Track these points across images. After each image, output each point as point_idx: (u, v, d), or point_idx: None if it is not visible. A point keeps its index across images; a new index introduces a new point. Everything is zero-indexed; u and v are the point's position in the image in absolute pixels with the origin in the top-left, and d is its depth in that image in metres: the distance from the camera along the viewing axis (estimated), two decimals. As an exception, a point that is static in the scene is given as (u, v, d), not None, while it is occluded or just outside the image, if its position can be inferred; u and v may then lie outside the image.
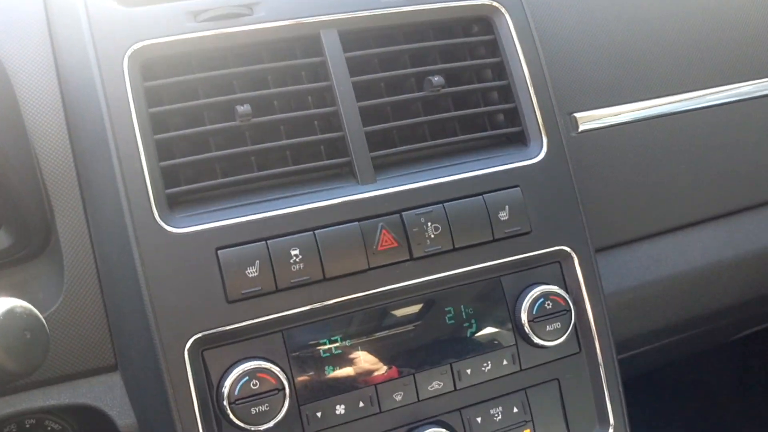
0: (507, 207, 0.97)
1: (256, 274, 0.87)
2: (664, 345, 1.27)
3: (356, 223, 0.91)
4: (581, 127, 1.13)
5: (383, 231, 0.92)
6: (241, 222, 0.88)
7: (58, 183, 0.93)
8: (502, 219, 0.97)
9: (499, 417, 0.96)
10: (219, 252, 0.87)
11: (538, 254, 0.99)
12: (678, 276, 1.16)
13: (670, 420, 2.17)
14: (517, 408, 0.97)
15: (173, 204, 0.89)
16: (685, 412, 2.20)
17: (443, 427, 0.93)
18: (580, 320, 1.01)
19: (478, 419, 0.95)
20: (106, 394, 0.93)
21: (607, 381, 1.01)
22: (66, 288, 0.91)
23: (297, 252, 0.89)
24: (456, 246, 0.95)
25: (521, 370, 0.98)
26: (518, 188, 0.98)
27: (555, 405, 1.00)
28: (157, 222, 0.87)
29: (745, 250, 1.21)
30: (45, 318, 0.88)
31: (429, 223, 0.94)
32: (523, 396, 0.98)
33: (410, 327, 0.94)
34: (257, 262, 0.87)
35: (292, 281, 0.88)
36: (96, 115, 0.88)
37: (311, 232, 0.90)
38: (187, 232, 0.87)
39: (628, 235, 1.15)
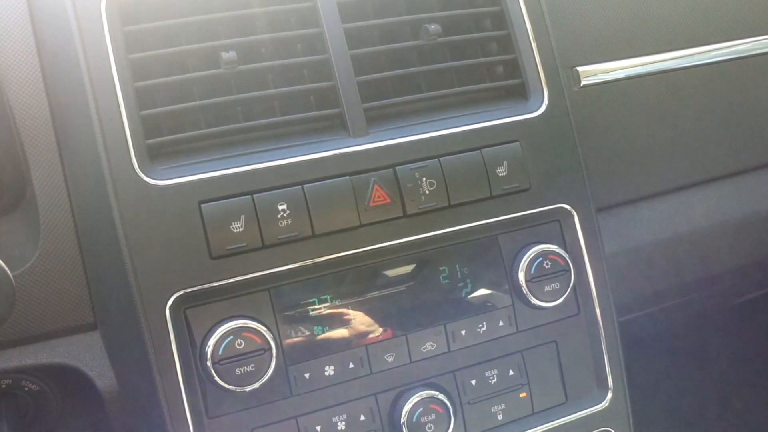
0: (505, 162, 0.93)
1: (241, 229, 0.83)
2: (664, 308, 1.23)
3: (347, 177, 0.87)
4: (583, 82, 1.08)
5: (375, 186, 0.88)
6: (225, 174, 0.84)
7: (33, 134, 0.88)
8: (500, 175, 0.92)
9: (494, 380, 0.93)
10: (202, 206, 0.83)
11: (537, 212, 0.95)
12: (681, 237, 1.13)
13: (668, 386, 2.16)
14: (513, 371, 0.94)
15: (154, 156, 0.85)
16: (683, 379, 2.19)
17: (436, 389, 0.90)
18: (579, 281, 0.97)
19: (473, 382, 0.92)
20: (85, 353, 0.89)
21: (606, 344, 0.97)
22: (42, 243, 0.87)
23: (284, 207, 0.84)
24: (452, 203, 0.90)
25: (518, 331, 0.94)
26: (517, 143, 0.94)
27: (552, 368, 0.96)
28: (137, 173, 0.82)
29: (750, 211, 1.17)
30: (20, 274, 0.84)
31: (424, 179, 0.89)
32: (520, 358, 0.94)
33: (403, 286, 0.90)
34: (242, 216, 0.83)
35: (279, 237, 0.84)
36: (72, 62, 0.84)
37: (299, 186, 0.85)
38: (168, 185, 0.83)
39: (630, 195, 1.11)
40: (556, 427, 0.96)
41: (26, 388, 0.91)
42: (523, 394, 0.94)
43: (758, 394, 2.02)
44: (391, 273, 0.90)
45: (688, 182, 1.15)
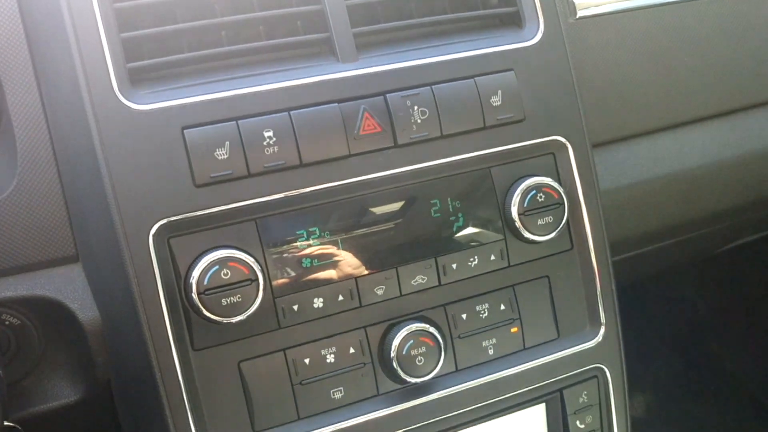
0: (500, 92, 0.90)
1: (225, 156, 0.80)
2: (657, 249, 1.22)
3: (336, 104, 0.84)
4: (579, 13, 1.05)
5: (365, 114, 0.85)
6: (209, 99, 0.81)
7: (7, 57, 0.84)
8: (494, 104, 0.90)
9: (485, 314, 0.92)
10: (185, 131, 0.80)
11: (532, 144, 0.92)
12: (676, 175, 1.11)
13: (654, 335, 2.17)
14: (504, 305, 0.93)
15: (136, 81, 0.82)
16: (670, 327, 2.20)
17: (426, 323, 0.88)
18: (573, 215, 0.95)
19: (463, 316, 0.91)
20: (67, 286, 0.86)
21: (600, 279, 0.96)
22: (19, 171, 0.84)
23: (270, 134, 0.81)
24: (444, 133, 0.88)
25: (509, 266, 0.93)
26: (512, 72, 0.91)
27: (544, 303, 0.95)
28: (117, 98, 0.79)
29: (746, 150, 1.15)
30: (-3, 203, 0.81)
31: (415, 107, 0.86)
32: (511, 293, 0.93)
33: (393, 219, 0.88)
34: (227, 143, 0.80)
35: (265, 166, 0.81)
36: (48, -19, 0.80)
37: (286, 113, 0.82)
38: (150, 109, 0.79)
39: (626, 131, 1.09)
40: (547, 363, 0.94)
41: (7, 322, 0.88)
42: (514, 329, 0.93)
43: (736, 343, 2.04)
44: (382, 204, 0.88)
45: (684, 120, 1.12)
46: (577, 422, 0.99)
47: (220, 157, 0.80)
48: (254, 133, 0.81)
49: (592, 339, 0.97)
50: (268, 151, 0.81)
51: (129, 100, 0.79)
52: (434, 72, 0.88)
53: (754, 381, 2.04)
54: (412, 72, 0.87)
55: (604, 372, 0.99)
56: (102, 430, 1.09)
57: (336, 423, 0.86)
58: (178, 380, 0.80)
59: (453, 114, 0.88)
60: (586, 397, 0.99)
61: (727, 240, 1.51)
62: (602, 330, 0.97)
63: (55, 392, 0.92)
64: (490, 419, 0.95)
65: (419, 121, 0.87)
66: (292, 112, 0.82)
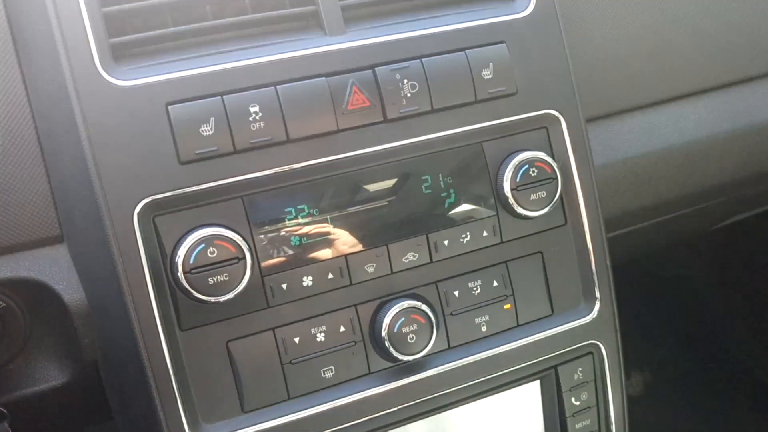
0: (491, 65, 0.88)
1: (211, 132, 0.78)
2: (653, 225, 1.20)
3: (323, 78, 0.82)
4: (572, -16, 1.03)
5: (354, 88, 0.83)
6: (194, 74, 0.79)
7: (-14, 33, 0.82)
8: (485, 78, 0.88)
9: (478, 291, 0.90)
10: (169, 107, 0.78)
11: (524, 118, 0.91)
12: (671, 149, 1.09)
13: (652, 308, 2.17)
14: (497, 281, 0.91)
15: (119, 56, 0.80)
16: (666, 306, 2.20)
17: (418, 300, 0.87)
18: (566, 190, 0.93)
19: (456, 293, 0.89)
20: (52, 267, 0.85)
21: (594, 255, 0.94)
22: (1, 149, 0.82)
23: (256, 109, 0.80)
24: (435, 107, 0.86)
25: (502, 242, 0.91)
26: (504, 44, 0.89)
27: (538, 279, 0.94)
28: (99, 74, 0.77)
29: (743, 124, 1.13)
30: (-23, 181, 0.80)
31: (405, 80, 0.85)
32: (504, 269, 0.91)
33: (384, 196, 0.86)
34: (212, 119, 0.78)
35: (251, 141, 0.80)
36: (27, -46, 0.78)
37: (272, 87, 0.80)
38: (133, 85, 0.78)
39: (620, 105, 1.07)
40: (542, 339, 0.93)
41: (-8, 304, 0.87)
42: (507, 306, 0.92)
43: (735, 320, 2.03)
44: (372, 181, 0.86)
45: (680, 93, 1.10)
46: (573, 399, 0.98)
47: (205, 134, 0.78)
48: (240, 108, 0.79)
49: (587, 315, 0.96)
50: (254, 126, 0.80)
51: (112, 76, 0.77)
52: (424, 45, 0.86)
53: (752, 358, 2.04)
54: (401, 45, 0.85)
55: (600, 348, 0.98)
56: (90, 412, 1.08)
57: (327, 402, 0.85)
58: (166, 361, 0.78)
59: (443, 87, 0.86)
60: (581, 374, 0.98)
61: (724, 216, 1.49)
62: (597, 306, 0.96)
63: (42, 375, 0.91)
64: (484, 397, 0.94)
65: (409, 95, 0.85)
66: (278, 87, 0.81)
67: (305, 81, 0.82)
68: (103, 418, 1.01)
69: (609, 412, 1.00)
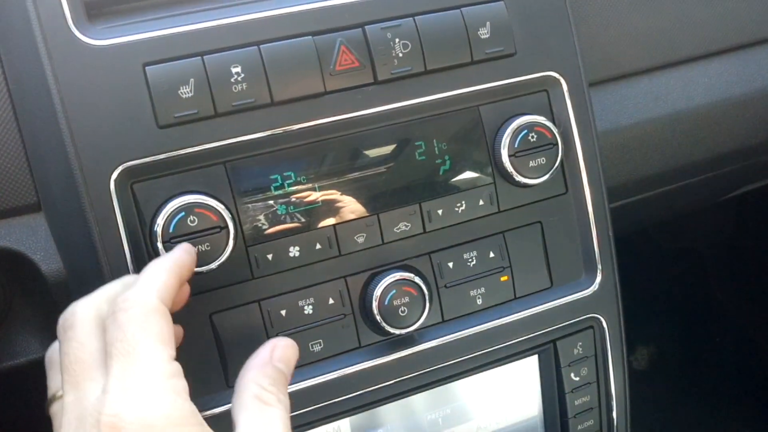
0: (488, 23, 0.83)
1: (190, 94, 0.74)
2: (658, 195, 1.16)
3: (309, 37, 0.78)
4: (577, -60, 0.97)
5: (342, 48, 0.79)
6: (172, 33, 0.75)
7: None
8: (482, 37, 0.83)
9: (473, 262, 0.86)
10: (147, 68, 0.74)
11: (523, 80, 0.86)
12: (679, 114, 1.04)
13: (657, 282, 2.13)
14: (493, 252, 0.87)
15: (93, 15, 0.76)
16: (670, 279, 2.16)
17: (411, 271, 0.83)
18: (567, 157, 0.89)
19: (450, 264, 0.86)
20: (29, 236, 0.81)
21: (596, 225, 0.90)
22: (-28, 114, 0.78)
23: (239, 70, 0.75)
24: (428, 68, 0.81)
25: (499, 211, 0.87)
26: (501, 2, 0.84)
27: (536, 250, 0.89)
28: (72, 32, 0.73)
29: (755, 88, 1.08)
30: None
31: (397, 40, 0.80)
32: (501, 240, 0.88)
33: (375, 162, 0.82)
34: (192, 80, 0.74)
35: (233, 104, 0.75)
36: None
37: (255, 47, 0.76)
38: (108, 45, 0.73)
39: (625, 68, 1.02)
40: (540, 312, 0.90)
41: (-33, 275, 0.84)
42: (504, 278, 0.88)
43: (742, 292, 1.99)
44: (362, 148, 0.82)
45: (689, 56, 1.05)
46: (572, 375, 0.94)
47: (184, 96, 0.74)
48: (221, 69, 0.75)
49: (588, 288, 0.92)
50: (236, 88, 0.75)
51: (85, 36, 0.73)
52: (417, 2, 0.81)
53: (759, 332, 2.00)
54: (392, 2, 0.80)
55: (601, 322, 0.94)
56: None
57: (315, 377, 0.82)
58: (145, 334, 0.75)
59: (438, 47, 0.81)
60: (581, 349, 0.94)
61: (733, 186, 1.44)
62: (598, 278, 0.92)
63: (23, 348, 0.88)
64: (479, 372, 0.91)
65: (401, 55, 0.80)
66: (261, 46, 0.76)
67: (290, 40, 0.77)
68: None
69: (609, 387, 0.96)
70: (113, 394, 0.57)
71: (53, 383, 0.67)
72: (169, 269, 0.66)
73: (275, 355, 0.68)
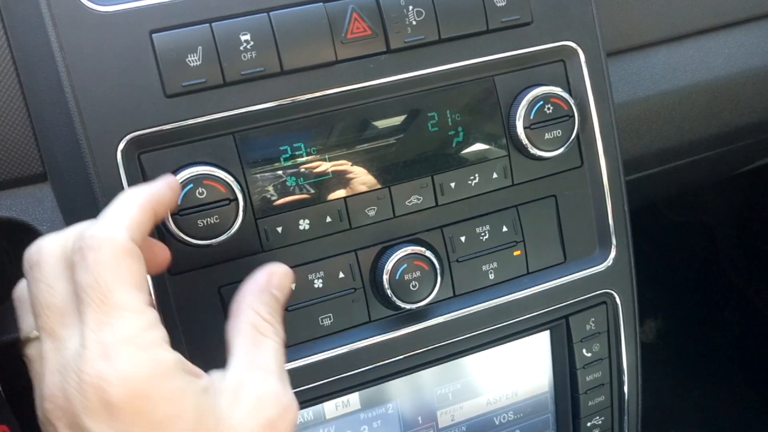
0: (504, -9, 0.81)
1: (198, 62, 0.72)
2: (673, 168, 1.14)
3: (321, 4, 0.75)
4: None
5: (354, 15, 0.76)
6: (180, 0, 0.73)
7: (-44, -46, 0.76)
8: (498, 5, 0.81)
9: (486, 236, 0.85)
10: (154, 35, 0.72)
11: (540, 50, 0.84)
12: (697, 86, 1.02)
13: (666, 255, 2.11)
14: (506, 227, 0.86)
15: (99, -21, 0.74)
16: (681, 252, 2.14)
17: (422, 245, 0.82)
18: (583, 129, 0.87)
19: (462, 238, 0.84)
20: (35, 207, 0.80)
21: (611, 199, 0.89)
22: (-24, 83, 0.77)
23: (248, 37, 0.73)
24: (442, 36, 0.79)
25: (513, 184, 0.85)
26: (518, -32, 0.82)
27: (550, 224, 0.88)
28: (77, -2, 0.71)
29: (777, 59, 1.05)
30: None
31: (410, 7, 0.78)
32: (515, 213, 0.86)
33: (387, 134, 0.80)
34: (200, 48, 0.72)
35: (242, 73, 0.74)
36: None
37: (265, 14, 0.74)
38: (114, 11, 0.71)
39: (643, 39, 0.99)
40: (553, 288, 0.88)
41: (-27, 245, 0.83)
42: (517, 252, 0.87)
43: (753, 266, 1.97)
44: (373, 118, 0.80)
45: (708, 26, 1.02)
46: (584, 350, 0.93)
47: (192, 64, 0.72)
48: (229, 36, 0.73)
49: (602, 263, 0.91)
50: (245, 56, 0.73)
51: (90, 1, 0.71)
52: (431, -32, 0.79)
53: (768, 306, 1.99)
54: (406, -32, 0.78)
55: (614, 298, 0.93)
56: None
57: (325, 351, 0.81)
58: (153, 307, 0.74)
59: (452, 15, 0.79)
60: (593, 325, 0.93)
61: (748, 160, 1.42)
62: (613, 253, 0.90)
63: (29, 319, 0.87)
64: (490, 347, 0.90)
65: (414, 23, 0.78)
66: (271, 13, 0.74)
67: (301, 7, 0.75)
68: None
69: (621, 363, 0.95)
70: (92, 351, 0.54)
71: (25, 324, 0.64)
72: (141, 204, 0.61)
73: (273, 282, 0.67)
